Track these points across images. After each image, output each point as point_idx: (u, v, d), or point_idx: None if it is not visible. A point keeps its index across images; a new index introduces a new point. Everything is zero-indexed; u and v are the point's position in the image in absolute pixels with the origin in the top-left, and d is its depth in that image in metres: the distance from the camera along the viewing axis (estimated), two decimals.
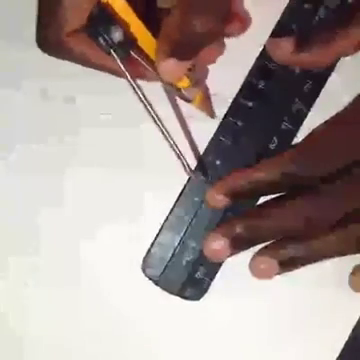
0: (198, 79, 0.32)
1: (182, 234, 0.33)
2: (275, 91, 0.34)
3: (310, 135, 0.33)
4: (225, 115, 0.34)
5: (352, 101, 0.33)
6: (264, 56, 0.34)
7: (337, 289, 0.33)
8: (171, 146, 0.30)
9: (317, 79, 0.34)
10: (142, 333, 0.34)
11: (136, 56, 0.29)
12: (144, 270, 0.33)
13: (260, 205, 0.32)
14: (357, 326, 0.33)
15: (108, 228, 0.34)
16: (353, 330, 0.33)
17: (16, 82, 0.35)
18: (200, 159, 0.34)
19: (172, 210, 0.34)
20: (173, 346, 0.34)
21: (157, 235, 0.34)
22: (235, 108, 0.34)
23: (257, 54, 0.34)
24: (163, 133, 0.30)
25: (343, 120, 0.32)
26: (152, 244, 0.34)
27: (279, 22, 0.34)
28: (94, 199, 0.34)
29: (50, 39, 0.31)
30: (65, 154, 0.35)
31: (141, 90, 0.29)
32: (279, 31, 0.34)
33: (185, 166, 0.31)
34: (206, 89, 0.34)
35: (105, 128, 0.35)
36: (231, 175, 0.32)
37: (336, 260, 0.31)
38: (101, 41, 0.27)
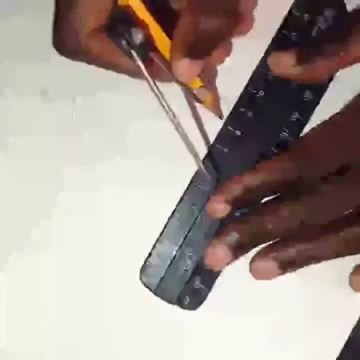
0: (209, 79, 0.32)
1: (180, 243, 0.33)
2: (274, 101, 0.34)
3: (308, 135, 0.33)
4: (224, 124, 0.34)
5: (349, 102, 0.33)
6: (263, 66, 0.34)
7: (337, 289, 0.33)
8: (187, 144, 0.30)
9: (316, 89, 0.34)
10: (142, 334, 0.34)
11: (154, 57, 0.30)
12: (141, 279, 0.33)
13: (258, 208, 0.32)
14: (357, 326, 0.33)
15: (108, 229, 0.34)
16: (353, 330, 0.33)
17: (16, 82, 0.35)
18: (211, 155, 0.34)
19: (170, 219, 0.34)
20: (172, 347, 0.34)
21: (155, 244, 0.34)
22: (234, 117, 0.34)
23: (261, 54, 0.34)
24: (179, 132, 0.30)
25: (340, 120, 0.32)
26: (150, 253, 0.33)
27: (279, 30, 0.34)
28: (94, 200, 0.34)
29: (68, 41, 0.30)
30: (65, 154, 0.34)
31: (160, 91, 0.29)
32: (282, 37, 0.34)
33: (199, 162, 0.31)
34: (215, 90, 0.34)
35: (105, 128, 0.34)
36: (230, 181, 0.32)
37: (336, 260, 0.31)
38: (123, 43, 0.28)
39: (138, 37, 0.28)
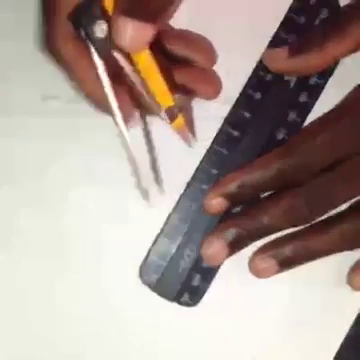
0: (183, 105, 0.31)
1: (179, 241, 0.34)
2: (271, 102, 0.34)
3: (302, 130, 0.33)
4: (222, 125, 0.34)
5: (341, 99, 0.34)
6: (261, 68, 0.34)
7: (335, 287, 0.33)
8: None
9: (313, 90, 0.34)
10: (141, 335, 0.34)
11: (124, 64, 0.27)
12: (141, 276, 0.34)
13: (254, 204, 0.33)
14: (355, 324, 0.33)
15: (107, 227, 0.34)
16: (351, 328, 0.33)
17: (17, 82, 0.35)
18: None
19: (169, 217, 0.34)
20: (171, 344, 0.34)
21: (154, 242, 0.34)
22: (232, 119, 0.34)
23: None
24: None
25: (334, 115, 0.33)
26: (149, 251, 0.34)
27: (277, 31, 0.35)
28: (93, 201, 0.34)
29: (49, 44, 0.30)
30: (64, 155, 0.35)
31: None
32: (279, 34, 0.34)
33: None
34: (191, 118, 0.34)
35: (105, 129, 0.35)
36: (225, 177, 0.32)
37: (334, 258, 0.32)
38: (81, 33, 0.25)
39: (101, 29, 0.25)
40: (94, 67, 0.27)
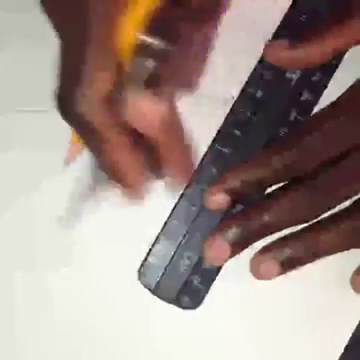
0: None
1: (179, 242, 0.33)
2: (272, 101, 0.34)
3: (304, 123, 0.33)
4: (223, 124, 0.34)
5: (345, 91, 0.33)
6: (261, 66, 0.34)
7: (339, 289, 0.33)
8: None
9: (314, 89, 0.34)
10: (140, 339, 0.34)
11: None
12: (140, 278, 0.33)
13: (255, 202, 0.32)
14: (359, 327, 0.33)
15: (106, 228, 0.34)
16: (355, 331, 0.33)
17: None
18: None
19: (169, 218, 0.33)
20: (171, 347, 0.34)
21: (153, 243, 0.33)
22: (233, 117, 0.34)
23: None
24: None
25: (335, 109, 0.32)
26: (148, 252, 0.33)
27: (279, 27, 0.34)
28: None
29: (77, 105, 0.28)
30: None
31: None
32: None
33: None
34: None
35: None
36: (227, 172, 0.32)
37: (338, 260, 0.31)
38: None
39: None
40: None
